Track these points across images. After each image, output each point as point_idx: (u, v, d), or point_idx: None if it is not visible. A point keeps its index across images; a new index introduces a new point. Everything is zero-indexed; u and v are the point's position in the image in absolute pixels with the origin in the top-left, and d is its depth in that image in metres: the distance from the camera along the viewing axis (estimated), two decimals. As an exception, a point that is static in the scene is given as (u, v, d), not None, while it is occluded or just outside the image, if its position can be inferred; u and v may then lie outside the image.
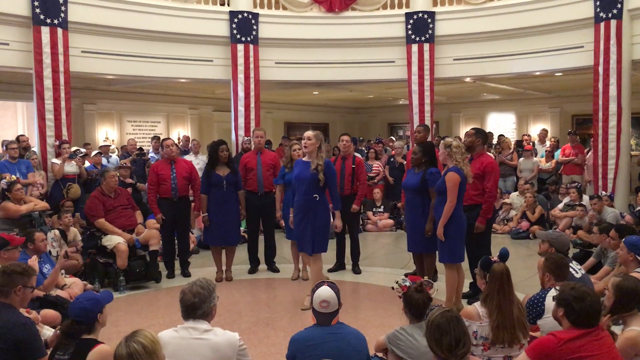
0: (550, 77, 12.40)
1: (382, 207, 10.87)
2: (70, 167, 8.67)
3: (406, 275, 3.61)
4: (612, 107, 9.58)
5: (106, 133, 14.11)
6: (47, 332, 4.30)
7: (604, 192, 9.07)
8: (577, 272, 4.46)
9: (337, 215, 5.98)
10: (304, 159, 5.87)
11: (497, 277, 3.45)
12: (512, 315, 3.35)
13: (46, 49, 8.93)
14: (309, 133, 5.75)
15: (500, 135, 13.09)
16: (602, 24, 9.57)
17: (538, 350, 2.92)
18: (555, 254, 4.29)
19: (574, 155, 10.67)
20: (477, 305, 3.49)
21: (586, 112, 13.36)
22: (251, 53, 10.83)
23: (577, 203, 9.27)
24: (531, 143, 12.36)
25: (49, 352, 3.26)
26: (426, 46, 10.99)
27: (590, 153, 10.35)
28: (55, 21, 9.00)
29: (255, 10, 10.92)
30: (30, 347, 3.26)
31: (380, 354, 3.59)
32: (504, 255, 3.59)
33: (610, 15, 9.49)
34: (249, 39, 10.80)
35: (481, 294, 3.58)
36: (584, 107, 14.26)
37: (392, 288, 3.45)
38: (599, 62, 9.66)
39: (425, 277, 3.51)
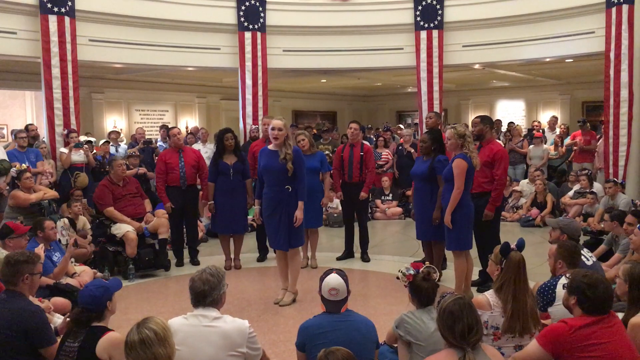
0: (561, 63, 12.26)
1: (390, 195, 10.85)
2: (78, 156, 8.69)
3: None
4: (624, 93, 9.45)
5: (114, 122, 14.15)
6: (58, 319, 4.32)
7: (615, 179, 8.99)
8: (588, 260, 4.43)
9: (299, 206, 5.47)
10: (269, 147, 5.57)
11: (514, 265, 3.41)
12: (525, 304, 3.32)
13: (54, 38, 8.92)
14: (278, 123, 5.42)
15: (510, 123, 13.01)
16: (614, 9, 9.42)
17: (549, 337, 2.90)
18: (568, 241, 4.25)
19: (587, 143, 10.59)
20: (487, 294, 3.47)
21: (597, 98, 13.23)
22: (259, 41, 10.77)
23: (587, 190, 9.21)
24: (541, 130, 12.29)
25: (59, 340, 3.27)
26: (435, 33, 10.89)
27: (601, 140, 10.26)
28: (63, 10, 8.98)
29: (262, -2, 10.87)
30: (40, 335, 3.28)
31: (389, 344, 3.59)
32: (521, 245, 3.57)
33: (622, 0, 9.34)
34: (256, 26, 10.74)
35: (493, 283, 3.56)
36: (594, 94, 14.12)
37: (397, 278, 3.43)
38: (610, 47, 9.52)
39: (427, 263, 3.49)
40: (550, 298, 3.74)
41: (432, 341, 3.08)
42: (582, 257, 4.27)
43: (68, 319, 3.39)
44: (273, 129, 5.40)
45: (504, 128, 13.07)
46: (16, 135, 8.34)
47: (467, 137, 5.33)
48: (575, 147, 10.76)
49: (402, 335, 3.24)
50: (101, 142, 9.92)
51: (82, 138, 9.20)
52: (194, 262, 7.36)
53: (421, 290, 3.32)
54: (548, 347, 2.88)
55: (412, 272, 3.37)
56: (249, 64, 10.77)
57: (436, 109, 10.90)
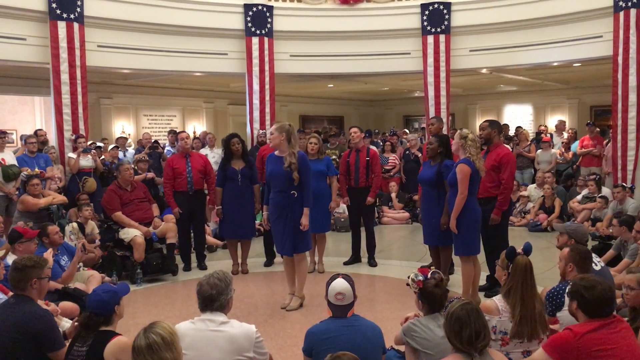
0: (569, 67, 12.24)
1: (397, 199, 10.83)
2: (86, 161, 8.74)
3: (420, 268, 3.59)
4: (632, 97, 9.41)
5: (122, 127, 14.21)
6: (66, 324, 4.34)
7: (624, 184, 8.95)
8: (596, 265, 4.39)
9: (305, 212, 5.49)
10: (275, 153, 5.61)
11: (520, 270, 3.40)
12: (534, 309, 3.31)
13: (63, 44, 9.00)
14: (272, 127, 5.57)
15: (518, 127, 12.98)
16: (622, 13, 9.39)
17: (556, 346, 2.88)
18: (581, 246, 4.23)
19: (593, 147, 10.55)
20: (496, 299, 3.46)
21: (605, 103, 13.17)
22: (266, 46, 10.81)
23: (595, 195, 9.17)
24: (548, 134, 12.24)
25: (67, 344, 3.28)
26: (442, 37, 10.89)
27: (609, 144, 10.22)
28: (72, 16, 9.05)
29: (269, 3, 10.89)
30: (49, 339, 3.29)
31: (397, 347, 3.58)
32: (527, 250, 3.56)
33: (629, 4, 9.30)
34: (263, 31, 10.78)
35: (501, 287, 3.54)
36: (602, 98, 14.06)
37: (407, 285, 3.42)
38: (618, 52, 9.49)
39: (432, 268, 3.48)
40: (559, 303, 3.72)
41: (440, 349, 3.06)
42: (591, 262, 4.24)
43: (76, 323, 3.41)
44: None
45: (511, 132, 13.03)
46: (26, 140, 8.40)
47: (468, 140, 5.32)
48: (592, 150, 10.63)
49: (409, 342, 3.23)
50: (110, 147, 9.98)
51: (90, 143, 9.26)
52: (202, 266, 7.38)
53: (434, 296, 3.31)
54: (555, 356, 2.86)
55: (420, 277, 3.35)
56: (256, 69, 10.81)
57: (443, 113, 10.90)
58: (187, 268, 7.37)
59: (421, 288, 3.34)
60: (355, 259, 7.54)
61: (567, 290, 3.21)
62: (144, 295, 6.33)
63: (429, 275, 3.35)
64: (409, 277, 3.41)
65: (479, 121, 16.88)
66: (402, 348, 3.49)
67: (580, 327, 2.88)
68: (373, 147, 9.18)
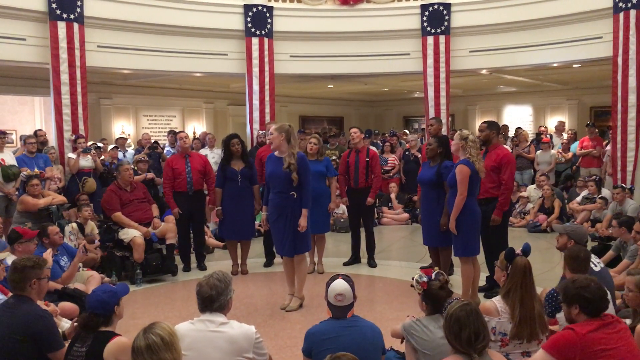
0: (568, 68, 12.23)
1: (397, 199, 10.84)
2: (86, 162, 8.74)
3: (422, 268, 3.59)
4: (632, 98, 9.42)
5: (122, 127, 14.20)
6: (65, 324, 4.34)
7: (623, 185, 8.95)
8: (596, 266, 4.40)
9: (303, 213, 5.46)
10: (275, 154, 5.60)
11: (519, 271, 3.41)
12: (533, 310, 3.31)
13: (62, 44, 9.00)
14: (272, 127, 5.58)
15: (518, 128, 12.99)
16: (622, 14, 9.40)
17: (559, 346, 2.86)
18: (576, 246, 4.24)
19: (592, 148, 10.56)
20: (495, 300, 3.46)
21: (605, 104, 13.17)
22: (266, 46, 10.82)
23: (595, 196, 9.16)
24: (548, 135, 12.25)
25: (66, 344, 3.28)
26: (442, 38, 10.89)
27: (609, 145, 10.22)
28: (72, 16, 9.05)
29: (269, 4, 10.89)
30: (48, 339, 3.29)
31: (396, 348, 3.57)
32: (526, 251, 3.56)
33: (629, 5, 9.31)
34: (263, 32, 10.78)
35: (500, 288, 3.55)
36: (602, 99, 14.06)
37: (412, 286, 3.42)
38: (618, 53, 9.50)
39: (436, 268, 3.48)
40: (559, 304, 3.72)
41: (440, 350, 3.06)
42: (590, 263, 4.25)
43: (76, 324, 3.41)
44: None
45: (511, 133, 13.03)
46: (25, 140, 8.39)
47: (468, 141, 5.33)
48: (591, 151, 10.63)
49: (409, 339, 3.23)
50: (109, 147, 9.98)
51: (90, 143, 9.26)
52: (201, 267, 7.38)
53: (438, 298, 3.31)
54: (557, 356, 2.85)
55: (425, 279, 3.35)
56: (256, 70, 10.82)
57: (443, 114, 10.90)
58: (187, 268, 7.37)
59: (425, 289, 3.33)
60: (354, 259, 7.54)
61: (561, 299, 3.20)
62: (144, 296, 6.33)
63: (433, 277, 3.35)
64: (413, 279, 3.40)
65: (478, 122, 16.80)
66: (402, 348, 3.49)
67: (582, 327, 2.88)
68: (373, 148, 9.18)
